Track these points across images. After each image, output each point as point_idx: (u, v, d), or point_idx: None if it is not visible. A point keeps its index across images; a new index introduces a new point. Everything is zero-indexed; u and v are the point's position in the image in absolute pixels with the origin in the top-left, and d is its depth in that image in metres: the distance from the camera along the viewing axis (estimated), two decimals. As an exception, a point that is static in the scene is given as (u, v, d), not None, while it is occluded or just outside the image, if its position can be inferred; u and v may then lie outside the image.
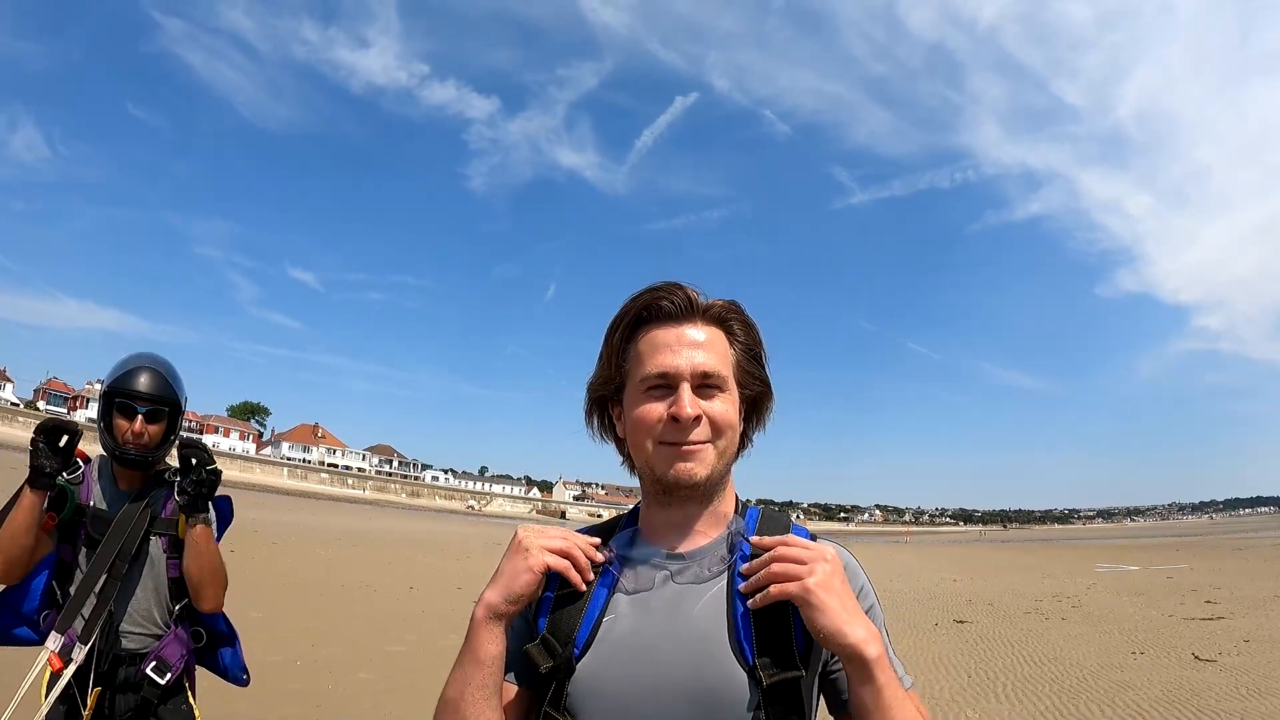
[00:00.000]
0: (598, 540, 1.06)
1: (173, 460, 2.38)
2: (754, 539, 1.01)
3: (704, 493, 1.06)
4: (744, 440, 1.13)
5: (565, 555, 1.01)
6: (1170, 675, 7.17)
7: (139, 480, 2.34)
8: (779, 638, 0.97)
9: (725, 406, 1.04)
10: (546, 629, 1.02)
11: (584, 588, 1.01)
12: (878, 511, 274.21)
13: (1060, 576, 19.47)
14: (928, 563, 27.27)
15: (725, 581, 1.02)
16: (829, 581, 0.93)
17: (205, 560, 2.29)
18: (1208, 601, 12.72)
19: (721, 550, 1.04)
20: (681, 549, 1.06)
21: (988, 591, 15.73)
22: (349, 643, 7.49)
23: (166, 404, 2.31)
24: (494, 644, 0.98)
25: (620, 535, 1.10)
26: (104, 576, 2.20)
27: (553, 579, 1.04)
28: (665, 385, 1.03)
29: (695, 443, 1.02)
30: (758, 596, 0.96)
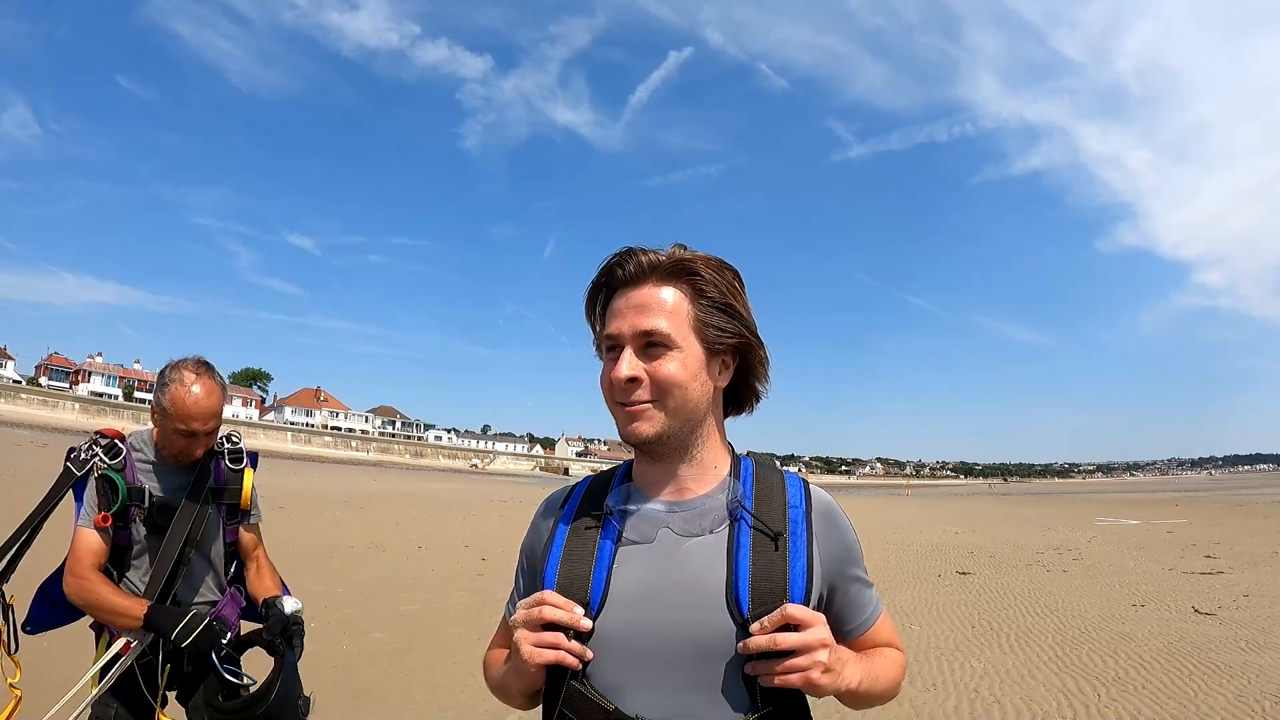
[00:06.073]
0: (568, 607, 1.01)
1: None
2: (754, 627, 0.96)
3: (672, 449, 1.08)
4: (748, 394, 1.17)
5: (554, 645, 0.99)
6: (1171, 627, 7.28)
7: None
8: (775, 595, 0.98)
9: (673, 366, 1.04)
10: (558, 591, 1.03)
11: (576, 664, 0.99)
12: (879, 464, 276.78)
13: (1061, 529, 19.68)
14: (929, 515, 27.58)
15: (726, 535, 1.04)
16: (830, 663, 0.96)
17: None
18: (1207, 556, 12.86)
19: (720, 512, 1.06)
20: (675, 500, 1.09)
21: (989, 544, 15.90)
22: (362, 604, 7.60)
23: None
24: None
25: (617, 490, 1.13)
26: (170, 568, 2.22)
27: (555, 540, 1.10)
28: (617, 347, 1.07)
29: (637, 403, 1.05)
30: (765, 679, 0.96)
